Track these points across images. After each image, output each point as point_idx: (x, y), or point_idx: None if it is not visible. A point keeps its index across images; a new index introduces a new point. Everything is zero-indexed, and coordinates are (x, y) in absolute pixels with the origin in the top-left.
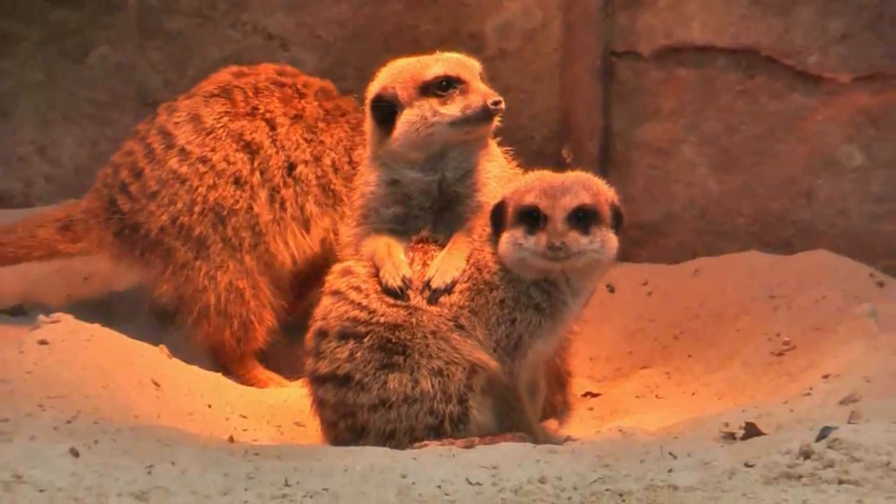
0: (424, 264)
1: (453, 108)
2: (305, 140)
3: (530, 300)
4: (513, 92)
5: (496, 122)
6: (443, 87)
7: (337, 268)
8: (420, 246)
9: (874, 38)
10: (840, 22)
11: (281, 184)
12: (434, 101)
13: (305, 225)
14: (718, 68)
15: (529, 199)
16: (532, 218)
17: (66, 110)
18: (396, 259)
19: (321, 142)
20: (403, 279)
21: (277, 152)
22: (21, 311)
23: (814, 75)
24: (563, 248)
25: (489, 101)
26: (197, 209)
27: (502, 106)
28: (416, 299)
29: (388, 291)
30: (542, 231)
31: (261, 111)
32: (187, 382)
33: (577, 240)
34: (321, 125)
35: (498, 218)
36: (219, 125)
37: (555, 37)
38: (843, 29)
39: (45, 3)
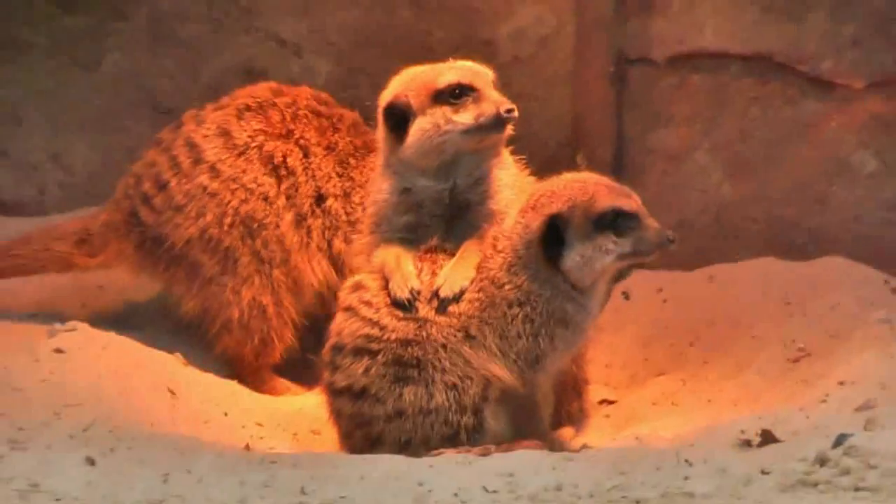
0: (433, 274)
1: (466, 116)
2: (337, 174)
3: (563, 314)
4: (526, 99)
5: (509, 129)
6: (455, 94)
7: (349, 282)
8: (429, 255)
9: (887, 43)
10: (852, 28)
11: (308, 212)
12: (447, 109)
13: (333, 261)
14: (731, 74)
15: (608, 203)
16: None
17: (78, 117)
18: (405, 270)
19: (351, 178)
20: (412, 291)
21: (308, 181)
22: None
23: (826, 81)
24: (675, 237)
25: (502, 109)
26: (227, 221)
27: (515, 114)
28: (425, 310)
29: (396, 303)
30: (634, 231)
31: (296, 136)
32: (203, 390)
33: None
34: (352, 161)
35: (553, 235)
36: (253, 144)
37: (568, 43)
38: (856, 35)
39: (55, 10)
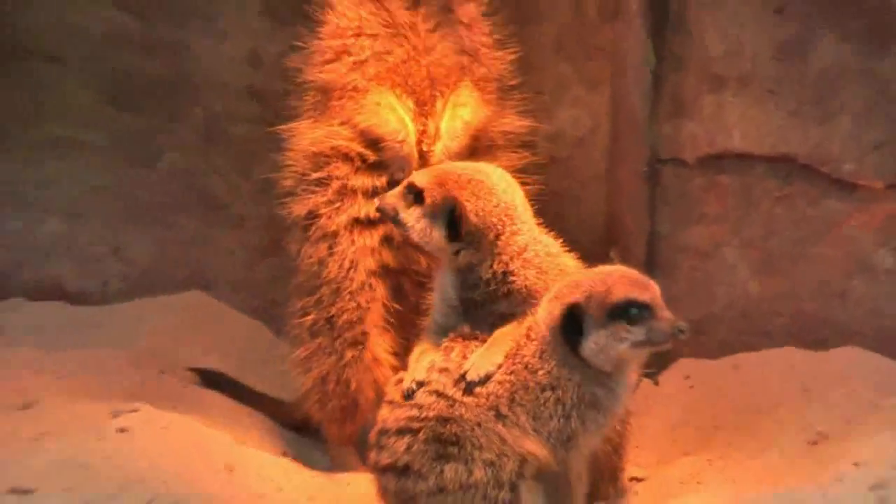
0: (464, 357)
1: None
2: None
3: (593, 398)
4: (561, 197)
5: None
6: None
7: (393, 379)
8: (461, 340)
9: None
10: (874, 133)
11: None
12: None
13: None
14: (758, 175)
15: (623, 295)
16: (633, 311)
17: (136, 213)
18: (419, 365)
19: None
20: (413, 382)
21: None
22: None
23: (849, 182)
24: (686, 328)
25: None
26: None
27: None
28: (453, 391)
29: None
30: (647, 321)
31: None
32: (258, 467)
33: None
34: None
35: (573, 325)
36: None
37: (602, 144)
38: (878, 139)
39: (113, 111)
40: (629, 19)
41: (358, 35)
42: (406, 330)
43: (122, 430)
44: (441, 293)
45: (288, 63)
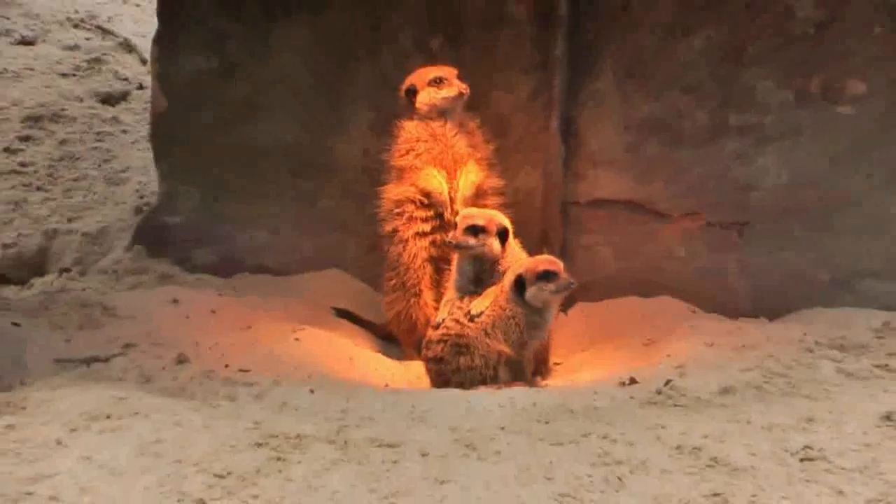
0: (470, 302)
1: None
2: None
3: (534, 322)
4: (519, 222)
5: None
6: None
7: (434, 320)
8: (468, 295)
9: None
10: (674, 189)
11: None
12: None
13: None
14: (617, 210)
15: (544, 268)
16: (548, 276)
17: (306, 230)
18: (444, 309)
19: None
20: (441, 318)
21: None
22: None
23: (662, 213)
24: (575, 282)
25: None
26: None
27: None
28: (464, 320)
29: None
30: (555, 280)
31: None
32: (365, 357)
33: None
34: None
35: (521, 284)
36: None
37: (539, 195)
38: (676, 192)
39: (294, 178)
40: (552, 133)
41: (417, 140)
42: (440, 289)
43: (296, 339)
44: (461, 272)
45: (382, 156)
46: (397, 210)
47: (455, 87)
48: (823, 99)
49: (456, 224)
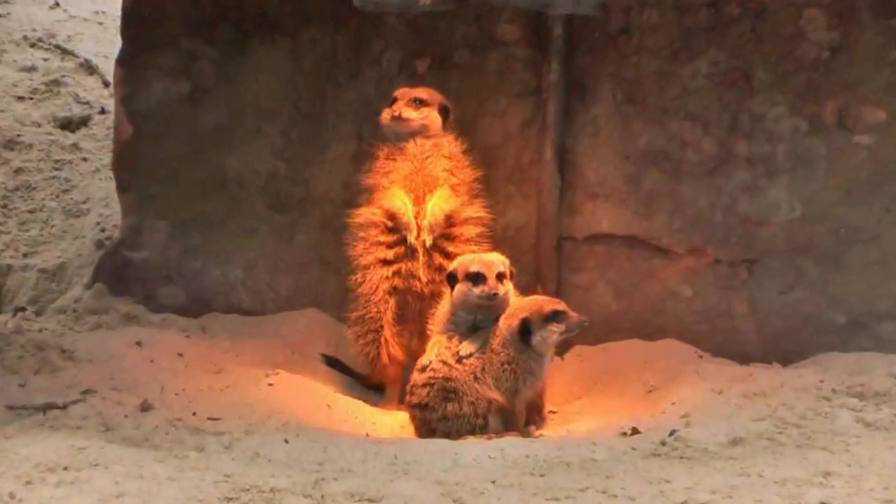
0: (458, 344)
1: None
2: None
3: (531, 368)
4: (511, 259)
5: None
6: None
7: (417, 365)
8: (457, 336)
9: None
10: (677, 223)
11: None
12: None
13: None
14: (616, 246)
15: (551, 308)
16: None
17: (281, 267)
18: (431, 351)
19: None
20: (428, 360)
21: None
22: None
23: (665, 249)
24: (587, 319)
25: (492, 291)
26: None
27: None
28: (452, 362)
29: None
30: (565, 320)
31: None
32: (345, 404)
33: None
34: None
35: (525, 330)
36: None
37: (532, 230)
38: (678, 227)
39: (271, 212)
40: (546, 163)
41: (386, 158)
42: (406, 324)
43: (270, 385)
44: (456, 321)
45: (357, 178)
46: (361, 234)
47: (393, 110)
48: (839, 127)
49: (426, 260)
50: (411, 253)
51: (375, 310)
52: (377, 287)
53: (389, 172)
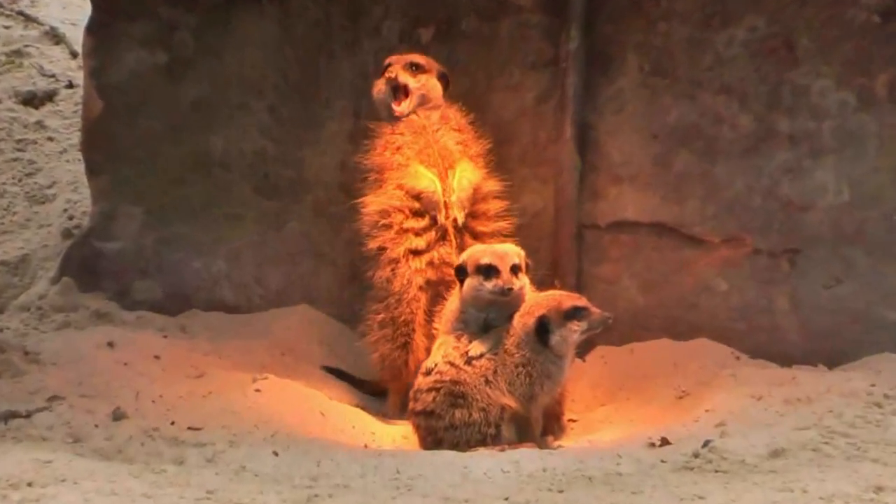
0: (468, 343)
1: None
2: None
3: (549, 371)
4: (526, 249)
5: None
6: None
7: (422, 368)
8: (466, 335)
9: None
10: (711, 209)
11: None
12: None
13: None
14: (642, 234)
15: (571, 304)
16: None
17: (270, 257)
18: (437, 352)
19: None
20: (433, 363)
21: None
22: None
23: (698, 238)
24: (612, 316)
25: (507, 286)
26: None
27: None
28: (461, 363)
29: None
30: (587, 317)
31: None
32: (341, 412)
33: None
34: None
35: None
36: None
37: (549, 216)
38: (713, 212)
39: (259, 197)
40: (565, 142)
41: (393, 133)
42: (433, 322)
43: (257, 390)
44: (467, 319)
45: (356, 160)
46: (383, 222)
47: (389, 73)
48: (891, 101)
49: (458, 242)
50: (443, 237)
51: (408, 309)
52: (411, 282)
53: (401, 148)
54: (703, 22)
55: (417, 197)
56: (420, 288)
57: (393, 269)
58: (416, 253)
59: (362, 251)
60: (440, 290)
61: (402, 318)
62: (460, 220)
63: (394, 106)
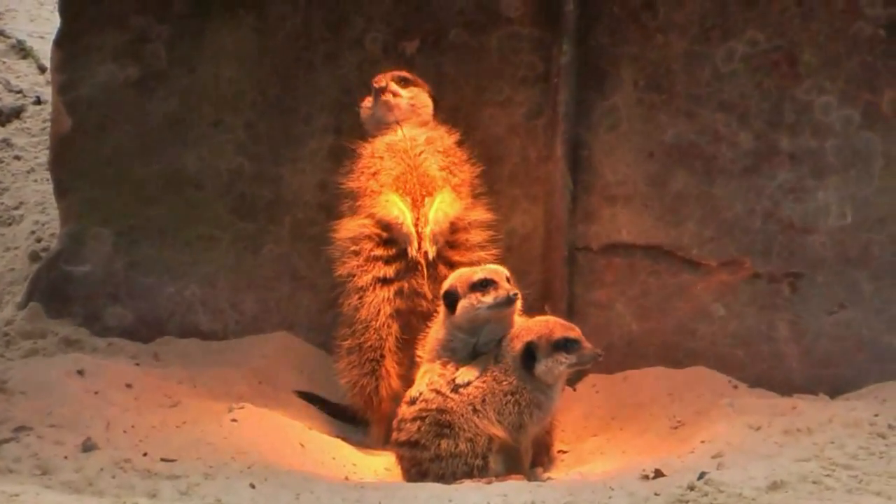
0: (455, 370)
1: (489, 298)
2: None
3: (538, 401)
4: (514, 272)
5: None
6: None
7: (406, 397)
8: (453, 362)
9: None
10: (709, 232)
11: None
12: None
13: None
14: (637, 258)
15: (560, 334)
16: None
17: (246, 282)
18: (422, 381)
19: None
20: (417, 391)
21: None
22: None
23: (695, 262)
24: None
25: (510, 293)
26: None
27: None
28: (447, 391)
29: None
30: (577, 350)
31: None
32: (320, 443)
33: None
34: None
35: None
36: None
37: (540, 238)
38: (711, 235)
39: (234, 218)
40: (557, 160)
41: (372, 157)
42: (409, 352)
43: (233, 420)
44: (454, 346)
45: (336, 180)
46: (353, 248)
47: (377, 81)
48: None
49: (430, 273)
50: (414, 268)
51: (376, 336)
52: (378, 311)
53: (377, 173)
54: (701, 35)
55: (387, 228)
56: (388, 316)
57: (360, 297)
58: (385, 282)
59: (334, 279)
60: (411, 320)
61: (369, 344)
62: (431, 254)
63: (384, 98)
